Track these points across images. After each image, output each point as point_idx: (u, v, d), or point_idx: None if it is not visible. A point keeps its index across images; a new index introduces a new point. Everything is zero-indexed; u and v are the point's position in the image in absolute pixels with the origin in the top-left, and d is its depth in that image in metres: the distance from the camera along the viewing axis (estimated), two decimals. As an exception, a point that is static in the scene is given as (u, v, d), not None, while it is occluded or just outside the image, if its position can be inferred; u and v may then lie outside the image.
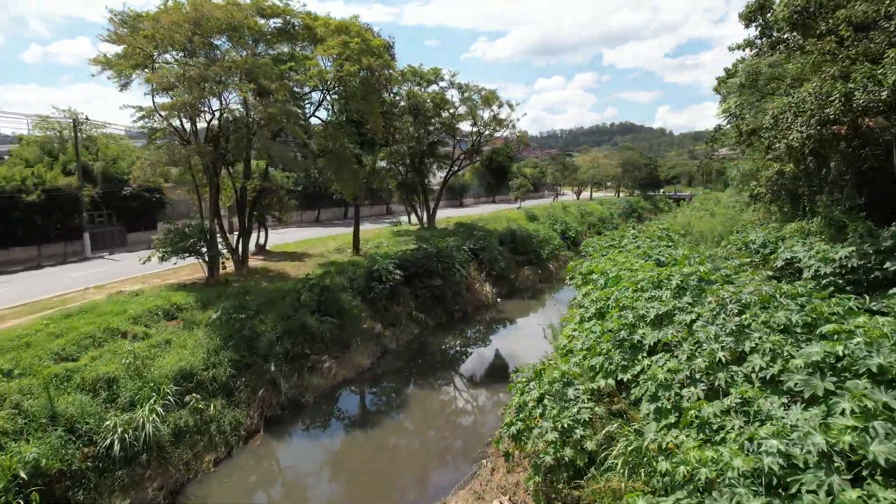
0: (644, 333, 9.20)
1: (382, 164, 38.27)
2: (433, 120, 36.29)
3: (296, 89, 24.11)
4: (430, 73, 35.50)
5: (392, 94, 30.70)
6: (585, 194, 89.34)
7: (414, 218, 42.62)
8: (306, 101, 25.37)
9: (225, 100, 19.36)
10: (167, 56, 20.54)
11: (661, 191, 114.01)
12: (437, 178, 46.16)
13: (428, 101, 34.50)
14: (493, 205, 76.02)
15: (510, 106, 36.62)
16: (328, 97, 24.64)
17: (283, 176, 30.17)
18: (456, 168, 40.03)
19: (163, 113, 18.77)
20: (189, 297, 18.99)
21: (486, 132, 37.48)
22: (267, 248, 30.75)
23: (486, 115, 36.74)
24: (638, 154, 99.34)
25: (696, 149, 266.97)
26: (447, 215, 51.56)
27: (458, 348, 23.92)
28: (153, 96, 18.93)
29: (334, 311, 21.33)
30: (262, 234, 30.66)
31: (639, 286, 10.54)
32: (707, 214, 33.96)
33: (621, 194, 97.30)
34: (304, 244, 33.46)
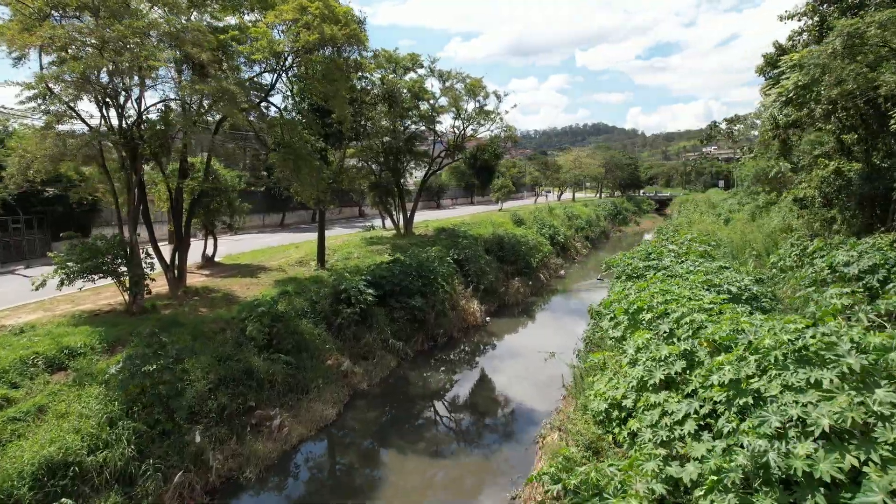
0: (816, 458, 5.08)
1: (353, 161, 33.89)
2: (411, 112, 31.97)
3: (243, 67, 19.60)
4: (407, 59, 31.16)
5: (363, 80, 26.28)
6: (566, 195, 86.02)
7: (389, 222, 38.25)
8: (260, 83, 20.81)
9: (144, 74, 14.67)
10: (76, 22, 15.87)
11: (642, 191, 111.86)
12: (413, 177, 41.87)
13: (405, 89, 30.12)
14: (472, 206, 72.10)
15: (497, 96, 32.53)
16: (284, 78, 20.14)
17: (234, 175, 25.48)
18: (436, 167, 35.74)
19: (55, 87, 14.06)
20: (93, 334, 14.33)
21: (471, 126, 33.27)
22: (216, 259, 26.07)
23: (471, 106, 32.55)
24: (620, 154, 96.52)
25: (670, 149, 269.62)
26: (424, 218, 47.39)
27: (444, 386, 19.65)
28: (41, 67, 14.25)
29: (290, 345, 16.92)
30: (211, 243, 25.97)
31: (769, 358, 6.44)
32: (718, 219, 30.31)
33: (602, 195, 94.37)
34: (262, 254, 28.86)
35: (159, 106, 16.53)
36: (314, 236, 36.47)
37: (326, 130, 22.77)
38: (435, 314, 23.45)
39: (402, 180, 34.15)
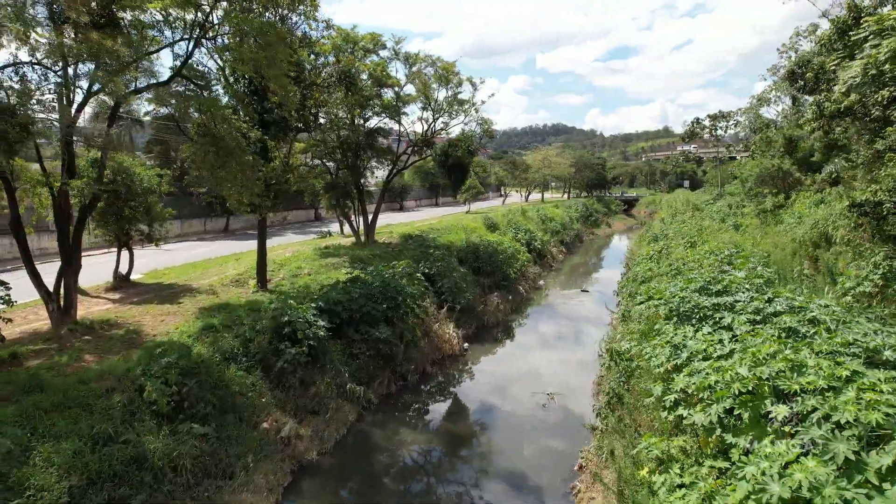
0: None
1: (306, 158, 29.28)
2: (372, 101, 27.48)
3: (153, 33, 14.83)
4: (367, 40, 26.64)
5: (316, 58, 21.69)
6: (535, 195, 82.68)
7: (347, 228, 33.58)
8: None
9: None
10: None
11: (608, 192, 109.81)
12: (375, 177, 37.27)
13: (364, 73, 25.62)
14: (437, 208, 67.97)
15: (472, 83, 28.25)
16: (208, 46, 15.38)
17: (152, 174, 20.46)
18: (402, 165, 31.26)
19: None
20: None
21: (442, 118, 28.93)
22: (132, 278, 21.01)
23: (442, 95, 28.24)
24: (589, 153, 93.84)
25: (629, 150, 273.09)
26: (387, 222, 42.98)
27: (418, 446, 15.30)
28: None
29: (209, 408, 12.29)
30: (126, 258, 20.88)
31: None
32: (723, 224, 26.82)
33: (569, 195, 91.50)
34: (194, 269, 23.93)
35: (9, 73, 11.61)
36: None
37: (266, 117, 18.09)
38: (404, 345, 19.08)
39: (362, 180, 29.56)
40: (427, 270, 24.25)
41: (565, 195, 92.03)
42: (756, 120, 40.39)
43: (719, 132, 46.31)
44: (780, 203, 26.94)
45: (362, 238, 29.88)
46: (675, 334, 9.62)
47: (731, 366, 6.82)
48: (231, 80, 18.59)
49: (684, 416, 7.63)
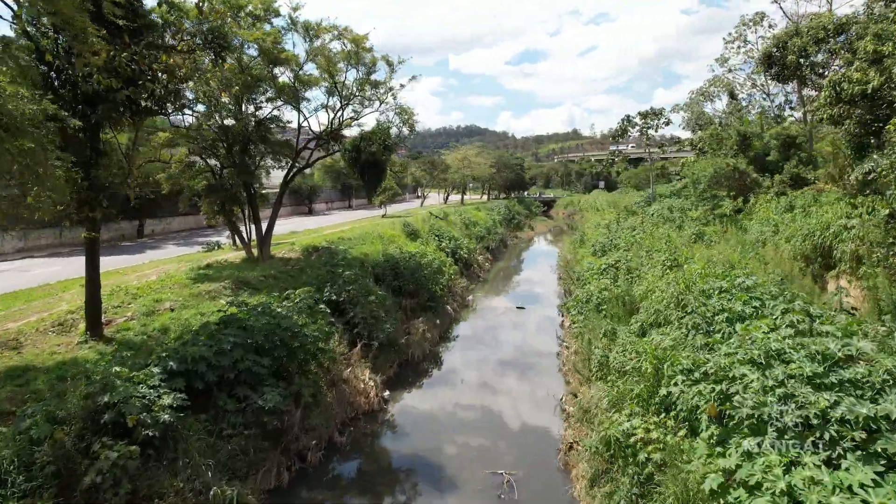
0: None
1: (189, 155, 23.32)
2: (262, 84, 21.85)
3: None
4: (257, 4, 20.96)
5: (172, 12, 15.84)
6: (454, 196, 78.82)
7: (240, 239, 27.43)
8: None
9: None
10: None
11: (526, 193, 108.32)
12: (272, 177, 31.31)
13: (252, 44, 20.00)
14: (350, 211, 62.33)
15: (389, 63, 23.16)
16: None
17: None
18: (302, 163, 25.66)
19: None
20: None
21: (352, 105, 23.69)
22: None
23: (352, 76, 23.01)
24: (508, 154, 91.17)
25: (539, 151, 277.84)
26: (291, 228, 37.22)
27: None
28: None
29: None
30: None
31: None
32: (679, 231, 23.44)
33: (489, 197, 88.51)
34: (13, 302, 17.63)
35: None
36: (135, 260, 25.32)
37: (83, 88, 12.20)
38: (302, 409, 13.82)
39: (254, 182, 23.72)
40: (335, 297, 19.02)
41: (485, 196, 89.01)
42: (700, 116, 38.65)
43: (650, 131, 44.41)
44: (739, 207, 23.99)
45: (255, 252, 24.06)
46: (768, 465, 5.24)
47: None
48: (35, 32, 12.54)
49: None
